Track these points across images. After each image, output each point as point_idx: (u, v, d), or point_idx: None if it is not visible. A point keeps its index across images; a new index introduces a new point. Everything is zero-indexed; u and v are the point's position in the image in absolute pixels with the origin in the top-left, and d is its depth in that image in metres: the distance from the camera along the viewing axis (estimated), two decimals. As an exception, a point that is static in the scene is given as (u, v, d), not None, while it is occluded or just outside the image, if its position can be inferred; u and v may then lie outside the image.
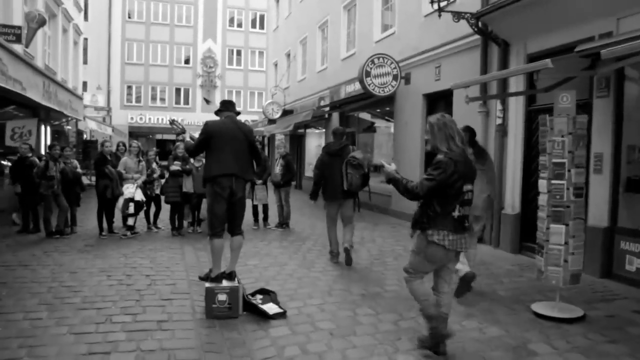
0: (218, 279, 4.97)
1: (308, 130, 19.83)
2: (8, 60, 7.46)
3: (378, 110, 13.95)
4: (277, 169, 9.74)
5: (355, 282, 5.96)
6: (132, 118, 33.65)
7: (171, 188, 9.23)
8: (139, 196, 8.80)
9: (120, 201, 8.67)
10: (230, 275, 5.08)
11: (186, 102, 35.55)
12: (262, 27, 35.69)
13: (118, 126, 32.43)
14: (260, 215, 10.09)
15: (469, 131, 5.58)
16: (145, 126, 33.81)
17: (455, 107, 9.38)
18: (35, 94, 9.09)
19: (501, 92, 7.95)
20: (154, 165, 9.59)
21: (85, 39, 31.70)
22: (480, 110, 8.48)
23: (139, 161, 9.15)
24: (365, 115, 14.89)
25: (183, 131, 5.59)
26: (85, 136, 19.11)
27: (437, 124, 3.69)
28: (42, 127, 14.93)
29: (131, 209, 8.68)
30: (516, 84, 7.77)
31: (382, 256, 7.43)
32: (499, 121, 8.07)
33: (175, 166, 9.18)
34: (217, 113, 5.32)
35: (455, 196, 3.55)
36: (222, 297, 4.77)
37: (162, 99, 35.17)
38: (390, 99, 11.88)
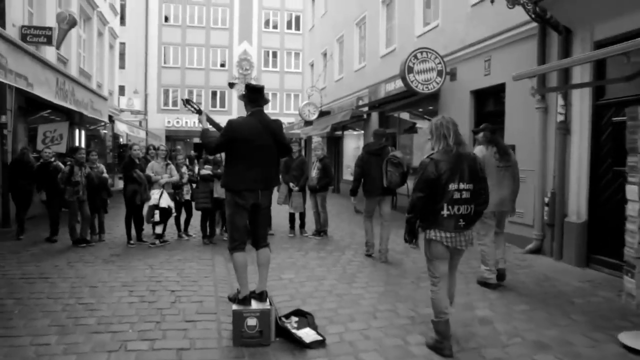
0: (247, 300, 4.36)
1: (346, 132, 19.16)
2: (7, 52, 6.67)
3: (420, 110, 13.14)
4: (314, 173, 9.11)
5: (402, 302, 5.24)
6: (168, 122, 33.77)
7: (202, 193, 8.74)
8: (165, 202, 8.31)
9: (145, 208, 8.22)
10: (261, 296, 4.46)
11: (222, 104, 35.46)
12: (297, 27, 35.27)
13: (154, 130, 32.64)
14: (297, 222, 9.49)
15: (489, 129, 5.96)
16: (182, 130, 33.88)
17: (508, 104, 8.54)
18: (45, 92, 8.36)
19: (570, 84, 7.05)
20: (184, 169, 9.11)
21: (122, 44, 32.11)
22: (539, 107, 7.61)
23: (167, 165, 8.68)
24: (406, 116, 14.10)
25: (200, 112, 5.02)
26: (121, 140, 19.04)
27: (434, 125, 3.86)
28: (77, 131, 14.83)
29: (157, 216, 8.20)
30: (581, 75, 6.87)
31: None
32: (561, 118, 7.18)
33: (206, 170, 8.68)
34: (243, 99, 4.63)
35: (441, 195, 3.66)
36: (251, 321, 4.16)
37: (199, 102, 35.13)
38: (434, 97, 11.08)
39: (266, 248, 4.63)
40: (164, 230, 8.62)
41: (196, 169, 9.13)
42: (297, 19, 35.04)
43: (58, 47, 10.54)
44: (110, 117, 10.75)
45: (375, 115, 15.07)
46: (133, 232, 8.54)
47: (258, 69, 35.72)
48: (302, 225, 9.48)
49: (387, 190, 7.03)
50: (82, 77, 16.03)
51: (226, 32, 35.30)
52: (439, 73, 10.18)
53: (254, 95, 4.55)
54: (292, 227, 9.44)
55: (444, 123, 3.82)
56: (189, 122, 34.12)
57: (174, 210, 8.59)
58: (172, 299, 5.36)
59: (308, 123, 20.30)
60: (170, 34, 34.11)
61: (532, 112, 7.76)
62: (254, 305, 4.32)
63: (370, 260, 7.26)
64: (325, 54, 21.36)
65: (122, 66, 32.21)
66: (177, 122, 33.97)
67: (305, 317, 4.61)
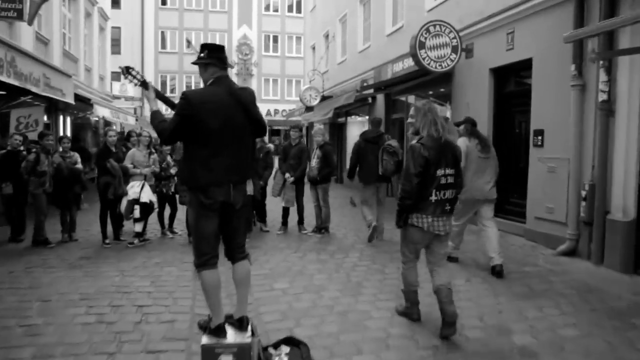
0: (221, 330, 3.35)
1: (349, 119, 18.07)
2: None
3: (430, 93, 12.02)
4: (314, 162, 8.07)
5: (421, 325, 4.21)
6: (166, 109, 32.55)
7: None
8: (147, 197, 7.31)
9: (124, 203, 7.21)
10: (241, 323, 3.46)
11: (221, 91, 34.29)
12: (299, 10, 33.96)
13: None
14: (295, 218, 8.47)
15: (470, 122, 6.10)
16: (180, 117, 32.77)
17: (535, 82, 7.45)
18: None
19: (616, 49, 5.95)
20: (169, 158, 8.09)
21: (117, 28, 31.04)
22: (575, 84, 6.52)
23: (150, 153, 7.66)
24: (413, 99, 12.99)
25: (145, 85, 3.98)
26: (116, 127, 17.94)
27: (423, 109, 3.89)
28: (61, 118, 13.81)
29: (136, 212, 7.20)
30: (631, 41, 5.77)
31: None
32: (603, 97, 6.09)
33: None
34: (199, 64, 3.48)
35: (430, 181, 3.72)
36: (226, 359, 3.18)
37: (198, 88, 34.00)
38: (446, 77, 9.99)
39: (245, 261, 3.62)
40: (144, 227, 7.64)
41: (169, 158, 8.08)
42: (299, 2, 33.73)
43: (30, 23, 9.51)
44: (88, 101, 9.72)
45: (381, 99, 13.98)
46: (110, 230, 7.56)
47: (258, 53, 34.55)
48: (301, 221, 8.47)
49: (382, 177, 7.29)
50: (68, 59, 14.99)
51: (225, 16, 34.09)
52: (454, 49, 9.07)
53: (218, 55, 3.47)
54: (283, 222, 8.43)
55: (432, 109, 3.88)
56: (188, 109, 33.01)
57: (156, 205, 7.58)
58: (137, 317, 4.38)
59: (309, 109, 19.20)
60: (167, 18, 32.93)
61: (566, 91, 6.68)
62: (231, 336, 3.32)
63: (379, 264, 6.25)
64: (327, 36, 20.18)
65: (117, 52, 31.12)
66: (175, 109, 32.83)
67: (298, 348, 3.62)
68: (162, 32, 33.05)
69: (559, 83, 6.85)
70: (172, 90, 33.42)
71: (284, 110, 30.95)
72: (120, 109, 15.48)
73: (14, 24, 10.84)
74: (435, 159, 3.72)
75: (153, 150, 7.79)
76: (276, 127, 35.45)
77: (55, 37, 13.57)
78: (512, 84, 8.45)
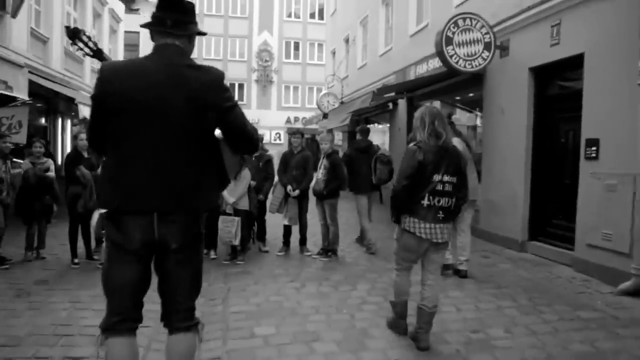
0: None
1: (370, 127, 16.88)
2: None
3: (458, 98, 10.81)
4: (320, 174, 6.90)
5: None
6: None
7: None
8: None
9: (95, 217, 6.15)
10: None
11: (240, 98, 33.47)
12: (321, 17, 33.01)
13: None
14: (296, 237, 7.32)
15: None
16: (198, 124, 32.04)
17: (587, 82, 6.17)
18: None
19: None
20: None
21: (137, 33, 30.55)
22: (643, 82, 5.23)
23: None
24: (438, 105, 11.75)
25: (99, 54, 2.90)
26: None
27: (419, 114, 3.78)
28: (60, 121, 12.98)
29: (110, 228, 6.13)
30: None
31: (482, 325, 4.38)
32: (681, 98, 4.81)
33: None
34: (148, 27, 2.36)
35: (423, 185, 3.61)
36: None
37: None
38: (476, 80, 8.75)
39: (188, 334, 2.42)
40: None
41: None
42: (321, 9, 32.79)
43: (14, 16, 8.67)
44: (72, 100, 8.77)
45: (403, 105, 12.77)
46: (82, 247, 6.53)
47: (279, 60, 33.67)
48: (303, 242, 7.30)
49: (374, 186, 7.41)
50: (71, 60, 14.23)
51: (246, 22, 33.36)
52: (487, 46, 7.84)
53: (158, 13, 2.34)
54: (285, 242, 7.27)
55: (428, 113, 3.75)
56: (205, 116, 32.27)
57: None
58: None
59: (326, 116, 18.09)
60: (186, 23, 32.28)
61: (630, 92, 5.39)
62: None
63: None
64: (347, 40, 19.11)
65: (136, 57, 30.68)
66: (193, 116, 32.12)
67: None
68: (182, 38, 32.43)
69: (620, 82, 5.57)
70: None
71: (303, 118, 29.89)
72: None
73: (3, 18, 10.02)
74: (432, 164, 3.60)
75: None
76: (296, 136, 34.42)
77: (55, 35, 12.79)
78: (556, 86, 7.17)
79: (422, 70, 10.73)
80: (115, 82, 2.14)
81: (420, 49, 11.10)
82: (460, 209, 3.86)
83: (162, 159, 2.17)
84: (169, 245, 2.21)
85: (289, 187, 6.96)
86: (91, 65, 16.23)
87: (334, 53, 21.79)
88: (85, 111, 8.74)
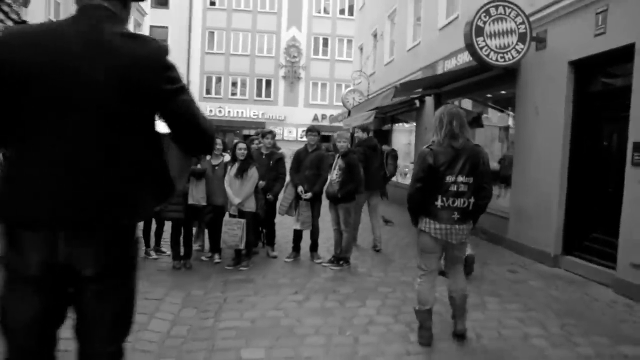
0: None
1: (395, 126, 16.26)
2: None
3: (488, 96, 10.08)
4: (334, 175, 6.34)
5: None
6: (210, 111, 31.82)
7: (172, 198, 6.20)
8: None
9: None
10: None
11: (268, 94, 33.17)
12: (351, 13, 32.32)
13: (196, 119, 30.79)
14: (306, 242, 6.79)
15: None
16: (224, 119, 31.83)
17: (638, 76, 5.42)
18: None
19: None
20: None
21: (165, 28, 30.65)
22: None
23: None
24: (468, 104, 11.03)
25: None
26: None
27: (438, 114, 3.76)
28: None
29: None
30: None
31: (505, 359, 3.75)
32: None
33: (180, 165, 6.12)
34: None
35: (437, 186, 3.62)
36: None
37: (243, 91, 33.05)
38: (509, 75, 8.04)
39: None
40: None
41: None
42: (351, 6, 32.11)
43: (25, 5, 8.40)
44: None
45: (430, 103, 12.07)
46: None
47: (307, 56, 33.16)
48: (314, 248, 6.77)
49: (382, 183, 7.79)
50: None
51: (274, 17, 32.92)
52: (521, 37, 7.12)
53: None
54: (295, 248, 6.75)
55: (446, 113, 3.71)
56: (232, 111, 32.14)
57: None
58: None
59: (351, 113, 17.49)
60: (215, 18, 32.12)
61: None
62: None
63: (403, 322, 4.44)
64: (375, 35, 18.44)
65: (164, 51, 30.66)
66: (220, 111, 31.98)
67: None
68: (210, 33, 32.30)
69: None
70: (217, 91, 32.61)
71: (331, 115, 29.36)
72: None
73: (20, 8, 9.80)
74: (444, 165, 3.60)
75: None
76: (324, 133, 33.85)
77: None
78: (600, 82, 6.43)
79: (451, 65, 10.02)
80: (17, 50, 1.63)
81: (450, 43, 10.40)
82: (483, 209, 3.83)
83: (75, 155, 1.64)
84: (81, 271, 1.69)
85: (300, 188, 6.43)
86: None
87: (361, 49, 21.16)
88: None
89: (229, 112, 32.09)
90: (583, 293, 5.53)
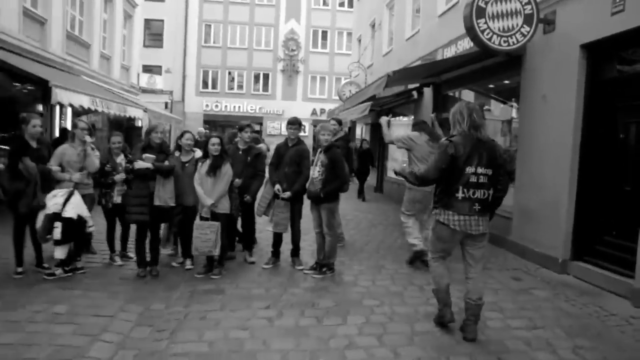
0: None
1: (393, 120, 15.50)
2: None
3: (490, 86, 9.39)
4: (316, 171, 5.67)
5: None
6: (207, 105, 31.19)
7: (136, 199, 5.55)
8: (73, 211, 5.19)
9: (40, 218, 5.13)
10: None
11: (265, 88, 32.45)
12: (350, 5, 31.53)
13: (192, 114, 30.19)
14: (284, 247, 6.14)
15: (420, 121, 6.95)
16: (221, 114, 31.19)
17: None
18: None
19: None
20: (120, 159, 5.99)
21: (161, 21, 29.97)
22: None
23: (85, 152, 5.53)
24: (469, 96, 10.34)
25: None
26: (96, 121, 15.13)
27: (457, 109, 3.87)
28: (58, 109, 12.11)
29: (56, 232, 5.09)
30: None
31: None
32: None
33: (145, 162, 5.48)
34: None
35: (457, 178, 3.68)
36: None
37: (240, 85, 32.33)
38: (514, 62, 7.35)
39: None
40: (77, 253, 5.58)
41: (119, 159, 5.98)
42: (351, -1, 31.36)
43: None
44: (47, 83, 7.74)
45: (428, 95, 11.38)
46: (32, 252, 5.52)
47: (306, 49, 32.41)
48: (295, 252, 6.11)
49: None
50: (74, 43, 13.38)
51: (272, 9, 32.17)
52: (527, 19, 6.42)
53: None
54: (274, 253, 6.10)
55: (462, 108, 3.82)
56: (229, 106, 31.46)
57: (90, 222, 5.45)
58: None
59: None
60: (211, 11, 31.37)
61: None
62: None
63: (389, 346, 3.78)
64: (373, 25, 17.72)
65: (160, 45, 30.05)
66: (217, 105, 31.32)
67: None
68: (206, 26, 31.57)
69: None
70: (214, 85, 31.89)
71: (329, 110, 28.67)
72: (165, 107, 13.67)
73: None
74: (465, 156, 3.66)
75: (92, 146, 5.65)
76: (323, 129, 33.12)
77: (55, 16, 11.91)
78: (615, 67, 5.73)
79: (451, 53, 9.35)
80: None
81: (450, 30, 9.71)
82: (500, 202, 3.91)
83: None
84: None
85: (277, 187, 5.78)
86: (100, 50, 15.42)
87: (359, 40, 20.44)
88: (61, 96, 7.77)
89: (225, 106, 31.41)
90: (596, 306, 4.86)
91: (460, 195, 3.69)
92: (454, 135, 3.77)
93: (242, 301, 4.75)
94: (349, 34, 30.65)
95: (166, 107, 23.73)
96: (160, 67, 28.93)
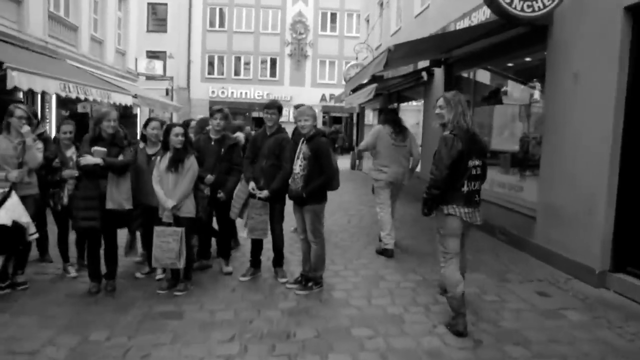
0: None
1: (403, 105, 14.45)
2: None
3: (510, 65, 8.27)
4: (297, 166, 4.69)
5: None
6: (213, 92, 30.25)
7: (83, 201, 4.64)
8: (7, 216, 4.30)
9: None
10: None
11: (273, 73, 31.38)
12: (361, -15, 30.22)
13: (198, 100, 29.32)
14: (264, 256, 5.20)
15: (393, 112, 7.30)
16: (227, 101, 30.17)
17: None
18: None
19: None
20: (71, 152, 5.08)
21: (164, 5, 29.04)
22: None
23: (22, 143, 4.63)
24: (485, 77, 9.24)
25: None
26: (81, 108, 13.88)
27: (453, 100, 3.81)
28: (39, 97, 11.25)
29: (-15, 242, 4.22)
30: None
31: None
32: None
33: (93, 157, 4.54)
34: None
35: (462, 172, 3.67)
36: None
37: (247, 70, 31.31)
38: (538, 34, 6.25)
39: None
40: (18, 266, 4.72)
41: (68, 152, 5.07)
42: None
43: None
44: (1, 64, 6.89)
45: (439, 75, 10.28)
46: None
47: (314, 33, 31.22)
48: (278, 262, 5.17)
49: None
50: (59, 25, 12.48)
51: (279, -9, 30.99)
52: (556, -21, 5.34)
53: None
54: (253, 262, 5.17)
55: (462, 100, 3.82)
56: (235, 92, 30.51)
57: (32, 230, 4.56)
58: None
59: (356, 89, 15.70)
60: (216, -7, 30.34)
61: None
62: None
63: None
64: (381, 4, 16.55)
65: (163, 30, 29.14)
66: (223, 92, 30.39)
67: None
68: (211, 9, 30.51)
69: None
70: (220, 71, 30.91)
71: (338, 95, 27.60)
72: (166, 94, 12.72)
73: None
74: (468, 150, 3.67)
75: (34, 138, 4.72)
76: (334, 114, 32.09)
77: (34, -6, 10.98)
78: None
79: (464, 25, 8.24)
80: None
81: (462, 2, 8.61)
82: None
83: None
84: None
85: (252, 185, 4.84)
86: (90, 33, 14.51)
87: (367, 21, 19.29)
88: (19, 79, 6.86)
89: (232, 93, 30.46)
90: (617, 315, 3.89)
91: (465, 189, 3.69)
92: (454, 129, 3.70)
93: (201, 330, 3.83)
94: (359, 16, 29.40)
95: (167, 93, 22.81)
96: (164, 52, 28.01)
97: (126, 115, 16.36)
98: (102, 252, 4.77)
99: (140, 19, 27.61)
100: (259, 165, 4.95)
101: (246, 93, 30.68)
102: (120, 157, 4.67)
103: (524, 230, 6.48)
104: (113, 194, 4.63)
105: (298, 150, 4.71)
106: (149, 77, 21.09)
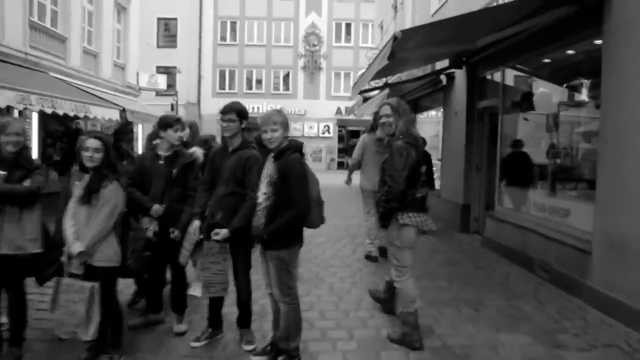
0: None
1: (420, 116, 13.08)
2: None
3: (547, 61, 6.87)
4: (261, 195, 3.34)
5: None
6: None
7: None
8: None
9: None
10: None
11: (286, 87, 30.34)
12: (376, -6, 29.14)
13: (209, 116, 28.34)
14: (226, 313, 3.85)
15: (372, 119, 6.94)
16: (240, 116, 29.28)
17: None
18: None
19: None
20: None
21: (174, 19, 28.41)
22: None
23: None
24: (514, 78, 7.84)
25: None
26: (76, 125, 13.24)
27: (401, 107, 3.74)
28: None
29: None
30: None
31: None
32: None
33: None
34: None
35: (417, 179, 3.61)
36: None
37: (259, 84, 30.33)
38: (588, 16, 4.88)
39: None
40: None
41: None
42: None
43: None
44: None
45: (460, 78, 8.88)
46: None
47: (328, 44, 30.14)
48: (244, 323, 3.80)
49: None
50: (43, 35, 11.54)
51: (291, 3, 29.99)
52: None
53: None
54: (212, 322, 3.83)
55: (407, 107, 3.78)
56: (248, 107, 28.80)
57: None
58: None
59: (365, 100, 14.41)
60: (227, 6, 29.49)
61: None
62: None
63: None
64: (395, 7, 15.31)
65: (173, 45, 28.44)
66: (234, 107, 29.40)
67: None
68: (222, 22, 29.70)
69: None
70: (231, 86, 29.99)
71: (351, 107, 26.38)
72: (171, 109, 11.64)
73: None
74: (419, 158, 3.64)
75: None
76: (351, 128, 30.77)
77: (9, 3, 10.01)
78: None
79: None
80: None
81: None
82: None
83: None
84: None
85: (195, 225, 3.54)
86: (82, 45, 13.56)
87: (381, 27, 18.06)
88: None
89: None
90: None
91: (418, 195, 3.62)
92: (404, 137, 3.60)
93: None
94: (374, 25, 28.31)
95: (172, 109, 21.85)
96: (175, 67, 27.23)
97: (126, 131, 15.37)
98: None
99: (150, 34, 27.01)
100: (216, 193, 3.64)
101: (258, 108, 29.54)
102: (26, 183, 3.44)
103: (574, 268, 5.03)
104: (10, 232, 3.38)
105: (264, 172, 3.38)
106: (158, 93, 20.19)
